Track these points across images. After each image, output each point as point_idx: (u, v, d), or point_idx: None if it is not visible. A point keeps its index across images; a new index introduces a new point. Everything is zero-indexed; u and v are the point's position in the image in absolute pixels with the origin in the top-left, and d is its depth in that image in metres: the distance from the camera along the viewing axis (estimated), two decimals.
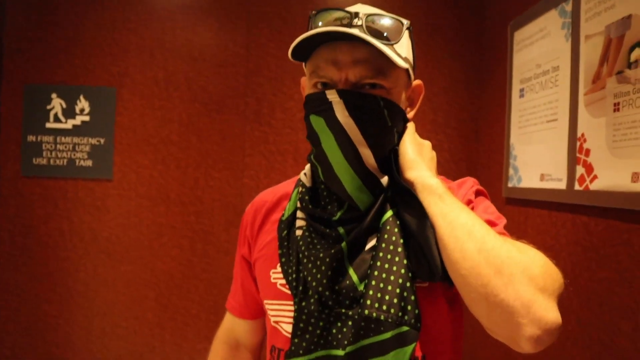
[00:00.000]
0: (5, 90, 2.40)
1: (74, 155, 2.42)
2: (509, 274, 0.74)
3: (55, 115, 2.41)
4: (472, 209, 0.93)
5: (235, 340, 1.29)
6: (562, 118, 1.71)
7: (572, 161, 1.63)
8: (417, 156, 0.93)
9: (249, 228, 1.17)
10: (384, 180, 0.94)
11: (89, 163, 2.42)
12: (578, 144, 1.61)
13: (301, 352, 0.95)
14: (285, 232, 1.04)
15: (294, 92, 2.45)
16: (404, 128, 0.98)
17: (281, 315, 1.04)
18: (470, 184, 1.02)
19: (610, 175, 1.43)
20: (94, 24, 2.42)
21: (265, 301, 1.08)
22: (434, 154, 0.98)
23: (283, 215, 1.07)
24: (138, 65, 2.43)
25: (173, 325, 2.46)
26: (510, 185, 2.07)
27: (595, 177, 1.51)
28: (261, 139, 2.45)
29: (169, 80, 2.43)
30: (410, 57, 0.98)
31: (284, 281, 1.02)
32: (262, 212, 1.15)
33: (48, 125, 2.41)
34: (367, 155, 0.92)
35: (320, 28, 0.89)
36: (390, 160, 0.95)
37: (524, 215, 1.93)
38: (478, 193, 1.00)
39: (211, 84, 2.44)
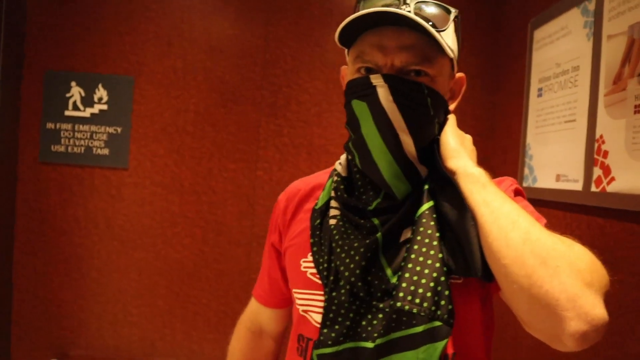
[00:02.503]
0: (26, 76, 2.43)
1: (92, 143, 2.44)
2: (555, 265, 0.72)
3: (74, 103, 2.43)
4: None
5: (259, 327, 1.29)
6: (581, 119, 1.69)
7: (590, 162, 1.62)
8: (459, 146, 0.91)
9: (280, 216, 1.16)
10: (423, 170, 0.93)
11: (106, 152, 2.44)
12: (596, 145, 1.59)
13: (330, 342, 0.94)
14: (318, 221, 1.03)
15: (309, 86, 2.45)
16: (445, 119, 0.97)
17: (310, 304, 1.03)
18: (509, 182, 1.00)
19: (629, 178, 1.42)
20: (114, 12, 2.43)
21: (294, 290, 1.08)
22: (474, 148, 0.97)
23: (316, 204, 1.06)
24: (156, 54, 2.44)
25: (184, 314, 2.48)
26: (525, 185, 2.06)
27: (612, 179, 1.49)
28: (276, 131, 2.45)
29: (186, 69, 2.44)
30: (455, 48, 0.96)
31: (314, 270, 1.01)
32: (294, 201, 1.14)
33: (67, 113, 2.43)
34: (408, 143, 0.91)
35: (372, 8, 0.87)
36: (431, 150, 0.93)
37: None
38: (517, 192, 0.99)
39: (228, 74, 2.45)
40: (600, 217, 1.56)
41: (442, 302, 0.85)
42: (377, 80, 0.90)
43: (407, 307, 0.86)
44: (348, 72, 0.98)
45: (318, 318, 0.99)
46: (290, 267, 1.10)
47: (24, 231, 2.47)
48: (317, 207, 1.05)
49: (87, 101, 2.43)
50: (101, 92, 2.42)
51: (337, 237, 0.96)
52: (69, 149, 2.44)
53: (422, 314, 0.85)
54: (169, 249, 2.47)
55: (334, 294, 0.95)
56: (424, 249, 0.88)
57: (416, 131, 0.91)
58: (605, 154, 1.53)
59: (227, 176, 2.46)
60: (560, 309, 0.70)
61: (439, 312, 0.85)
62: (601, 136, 1.56)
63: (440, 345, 0.85)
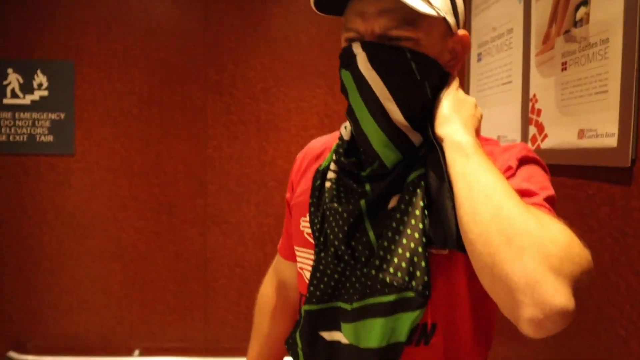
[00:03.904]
0: None
1: (34, 130, 2.38)
2: (520, 247, 0.67)
3: (12, 90, 2.36)
4: (511, 176, 0.86)
5: (282, 279, 1.31)
6: (516, 80, 1.74)
7: (525, 122, 1.67)
8: (452, 112, 0.86)
9: (294, 172, 1.17)
10: (415, 138, 0.90)
11: (50, 138, 2.39)
12: (530, 104, 1.64)
13: (314, 300, 0.96)
14: (318, 182, 1.03)
15: (255, 62, 2.44)
16: (443, 83, 0.92)
17: (305, 262, 1.06)
18: (517, 149, 0.92)
19: (559, 133, 1.47)
20: None
21: (295, 247, 1.10)
22: (477, 111, 0.90)
23: (321, 165, 1.06)
24: (95, 37, 2.39)
25: (141, 298, 2.47)
26: None
27: (545, 136, 1.54)
28: (223, 109, 2.44)
29: (127, 52, 2.40)
30: (448, 6, 0.90)
31: (310, 230, 1.02)
32: (308, 159, 1.15)
33: (5, 101, 2.37)
34: (394, 111, 0.88)
35: None
36: (424, 116, 0.90)
37: None
38: (524, 160, 0.89)
39: (170, 55, 2.41)
40: None
41: (418, 273, 0.84)
42: (357, 48, 0.88)
43: (380, 276, 0.86)
44: (342, 42, 0.96)
45: (309, 276, 1.00)
46: (293, 224, 1.12)
47: None
48: (320, 169, 1.05)
49: (26, 88, 2.37)
50: (40, 78, 2.36)
51: (327, 200, 0.96)
52: (11, 137, 2.38)
53: (395, 283, 0.84)
54: (122, 234, 2.45)
55: (322, 254, 0.96)
56: (405, 218, 0.86)
57: (402, 98, 0.87)
58: (539, 112, 1.58)
59: (177, 157, 2.44)
60: (518, 293, 0.66)
61: (413, 283, 0.84)
62: (534, 95, 1.61)
63: (412, 315, 0.84)
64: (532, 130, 1.62)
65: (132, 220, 2.44)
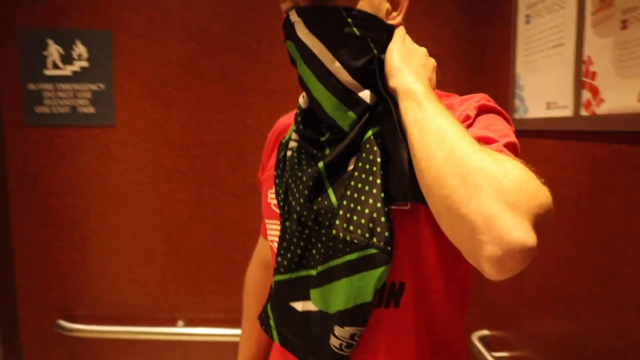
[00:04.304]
0: (1, 37, 2.37)
1: (76, 102, 2.39)
2: (474, 185, 0.66)
3: (54, 62, 2.37)
4: (470, 125, 0.86)
5: (266, 259, 1.32)
6: (569, 42, 1.64)
7: (578, 86, 1.58)
8: (401, 63, 0.86)
9: (265, 151, 1.21)
10: (365, 95, 0.90)
11: (92, 110, 2.40)
12: (584, 67, 1.54)
13: (282, 270, 0.97)
14: (282, 153, 1.04)
15: None
16: (389, 36, 0.92)
17: (274, 234, 1.06)
18: (476, 99, 0.92)
19: (617, 97, 1.38)
20: None
21: (265, 220, 1.12)
22: (430, 60, 0.91)
23: (284, 137, 1.08)
24: (132, 6, 2.37)
25: (185, 269, 2.49)
26: (517, 117, 2.02)
27: (601, 100, 1.46)
28: (262, 78, 2.40)
29: (165, 20, 2.37)
30: None
31: (275, 201, 1.04)
32: (275, 135, 1.19)
33: (47, 72, 2.38)
34: (340, 72, 0.88)
35: None
36: (374, 72, 0.90)
37: (532, 147, 1.89)
38: (483, 109, 0.90)
39: (207, 22, 2.37)
40: (591, 142, 1.53)
41: (378, 229, 0.84)
42: (293, 16, 0.89)
43: (341, 235, 0.87)
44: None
45: (276, 246, 1.02)
46: (263, 199, 1.13)
47: (18, 195, 2.45)
48: (284, 141, 1.07)
49: (67, 59, 2.37)
50: (80, 49, 2.36)
51: (288, 168, 0.97)
52: (54, 109, 2.40)
53: (356, 241, 0.85)
54: (165, 205, 2.47)
55: (287, 223, 0.96)
56: (363, 176, 0.87)
57: (345, 58, 0.88)
58: (594, 75, 1.49)
59: (217, 127, 2.43)
60: (476, 233, 0.65)
61: (374, 240, 0.85)
62: (589, 57, 1.52)
63: (376, 272, 0.85)
64: (586, 95, 1.53)
65: (174, 192, 2.45)
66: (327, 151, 0.93)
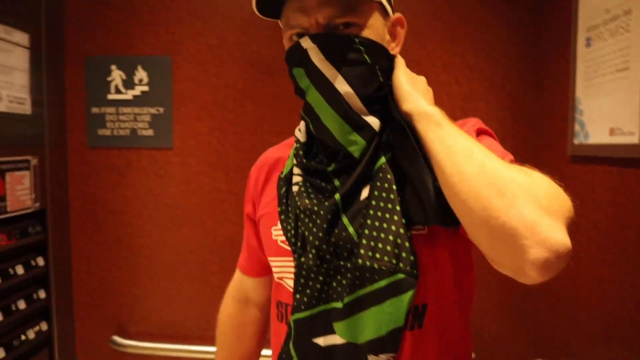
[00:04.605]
0: (68, 63, 2.48)
1: (136, 125, 2.48)
2: (511, 195, 0.69)
3: (116, 86, 2.46)
4: None
5: (244, 296, 1.32)
6: (635, 66, 1.59)
7: None
8: (411, 88, 0.89)
9: (252, 187, 1.19)
10: (374, 122, 0.91)
11: (150, 132, 2.48)
12: None
13: (303, 307, 0.96)
14: (284, 189, 1.04)
15: None
16: (391, 65, 0.95)
17: (284, 271, 1.05)
18: (472, 122, 0.97)
19: None
20: None
21: (269, 258, 1.10)
22: (429, 88, 0.94)
23: (282, 172, 1.08)
24: (191, 32, 2.44)
25: None
26: (576, 142, 1.97)
27: None
28: None
29: (221, 46, 2.43)
30: None
31: (283, 238, 1.03)
32: (265, 170, 1.17)
33: (110, 96, 2.48)
34: (352, 98, 0.90)
35: None
36: (385, 99, 0.92)
37: (592, 173, 1.83)
38: (480, 132, 0.95)
39: (263, 47, 2.42)
40: None
41: (404, 254, 0.86)
42: (306, 42, 0.90)
43: (368, 263, 0.87)
44: (285, 43, 0.98)
45: (292, 284, 1.00)
46: (263, 235, 1.12)
47: (78, 214, 2.54)
48: (282, 176, 1.06)
49: (128, 84, 2.46)
50: (141, 74, 2.45)
51: (299, 203, 0.96)
52: (115, 132, 2.49)
53: (384, 268, 0.86)
54: (218, 226, 2.50)
55: (302, 259, 0.96)
56: (381, 204, 0.88)
57: (357, 84, 0.89)
58: None
59: None
60: (519, 238, 0.68)
61: (400, 265, 0.86)
62: None
63: (406, 297, 0.86)
64: None
65: (228, 214, 2.49)
66: (336, 182, 0.94)
